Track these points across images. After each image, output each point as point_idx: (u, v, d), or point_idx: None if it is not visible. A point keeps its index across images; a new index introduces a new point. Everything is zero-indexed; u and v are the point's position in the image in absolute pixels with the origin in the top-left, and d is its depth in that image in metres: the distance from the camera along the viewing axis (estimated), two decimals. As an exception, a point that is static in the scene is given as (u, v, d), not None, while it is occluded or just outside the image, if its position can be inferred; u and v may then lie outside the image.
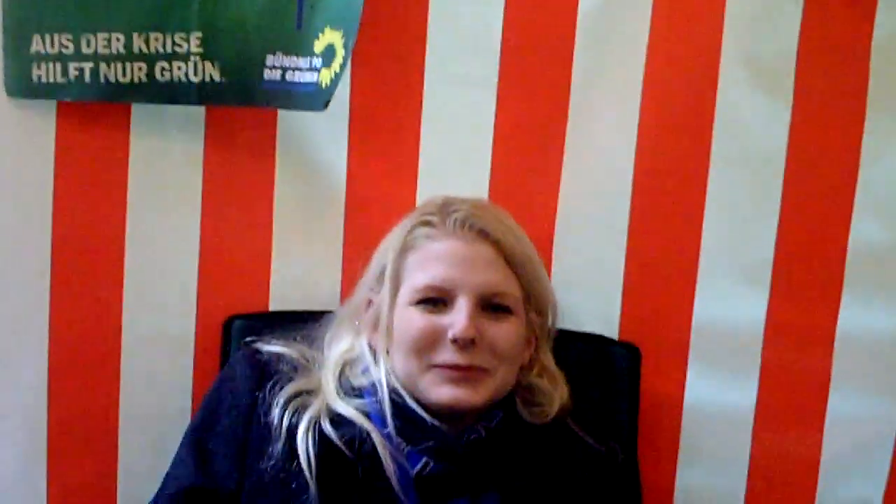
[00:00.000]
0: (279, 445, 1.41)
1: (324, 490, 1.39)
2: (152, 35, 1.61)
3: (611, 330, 1.79)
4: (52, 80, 1.62)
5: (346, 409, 1.44)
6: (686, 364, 1.80)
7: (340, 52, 1.62)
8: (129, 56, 1.62)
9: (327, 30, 1.63)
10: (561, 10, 1.74)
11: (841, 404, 1.81)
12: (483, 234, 1.46)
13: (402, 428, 1.42)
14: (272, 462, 1.41)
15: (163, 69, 1.62)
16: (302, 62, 1.64)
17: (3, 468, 1.72)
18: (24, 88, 1.63)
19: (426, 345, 1.43)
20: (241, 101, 1.66)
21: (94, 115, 1.66)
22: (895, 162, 1.77)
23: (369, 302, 1.51)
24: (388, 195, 1.74)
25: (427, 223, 1.47)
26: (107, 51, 1.61)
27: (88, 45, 1.61)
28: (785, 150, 1.76)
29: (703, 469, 1.83)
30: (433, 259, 1.45)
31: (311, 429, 1.41)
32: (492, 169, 1.76)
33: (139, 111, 1.67)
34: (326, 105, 1.64)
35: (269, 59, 1.64)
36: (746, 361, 1.81)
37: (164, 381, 1.75)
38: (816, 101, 1.76)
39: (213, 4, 1.62)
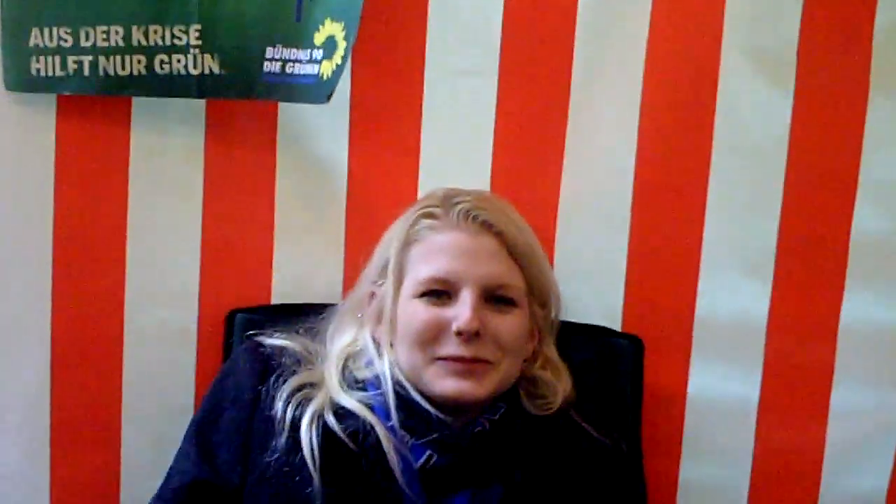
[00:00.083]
0: (283, 439, 1.41)
1: (327, 483, 1.39)
2: (151, 28, 1.61)
3: (614, 322, 1.78)
4: (51, 73, 1.61)
5: (350, 401, 1.43)
6: (689, 356, 1.80)
7: (342, 45, 1.62)
8: (128, 49, 1.61)
9: (327, 22, 1.62)
10: (561, 2, 1.73)
11: (844, 396, 1.81)
12: (487, 226, 1.45)
13: (405, 421, 1.42)
14: (276, 455, 1.41)
15: (162, 62, 1.62)
16: (302, 54, 1.63)
17: (6, 463, 1.73)
18: (23, 82, 1.62)
19: (430, 337, 1.42)
20: (241, 94, 1.65)
21: (95, 108, 1.66)
22: (898, 152, 1.77)
23: (372, 294, 1.51)
24: (389, 187, 1.74)
25: (430, 215, 1.47)
26: (106, 44, 1.61)
27: (87, 38, 1.61)
28: (787, 141, 1.76)
29: (707, 461, 1.82)
30: (437, 251, 1.45)
31: (315, 422, 1.41)
32: (493, 161, 1.76)
33: (139, 105, 1.67)
34: (329, 97, 1.63)
35: (269, 52, 1.63)
36: (749, 353, 1.80)
37: (167, 375, 1.75)
38: (818, 91, 1.75)
39: (213, -4, 1.63)
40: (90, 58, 1.61)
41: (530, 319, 1.49)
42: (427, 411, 1.42)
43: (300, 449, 1.40)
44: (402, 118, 1.74)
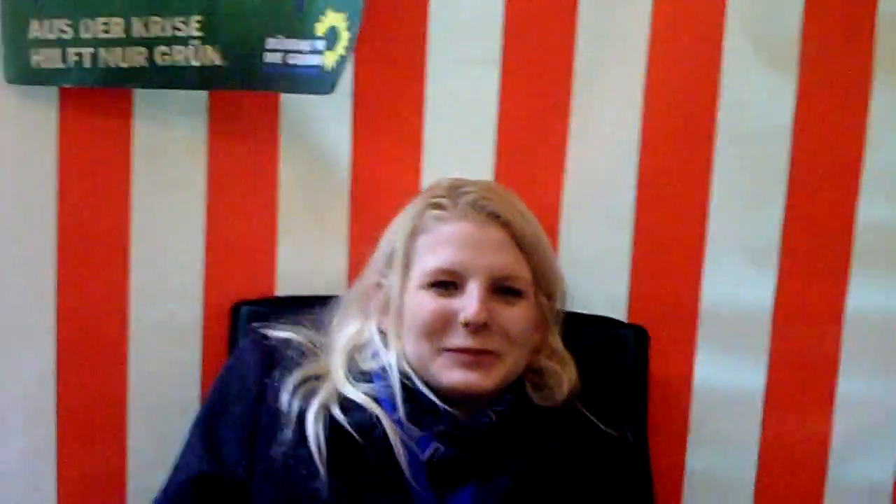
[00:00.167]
0: (289, 431, 1.41)
1: (334, 475, 1.38)
2: (152, 19, 1.60)
3: (619, 312, 1.78)
4: (51, 66, 1.60)
5: (356, 393, 1.43)
6: (694, 346, 1.80)
7: (345, 35, 1.62)
8: (128, 41, 1.60)
9: (329, 12, 1.62)
10: (563, -9, 1.73)
11: (850, 385, 1.81)
12: (494, 217, 1.45)
13: (412, 413, 1.42)
14: (282, 448, 1.41)
15: (163, 53, 1.61)
16: (303, 45, 1.63)
17: (12, 458, 1.73)
18: (23, 75, 1.61)
19: (437, 328, 1.42)
20: (242, 85, 1.65)
21: (97, 101, 1.65)
22: (902, 139, 1.77)
23: (378, 285, 1.50)
24: (392, 178, 1.74)
25: (437, 205, 1.46)
26: (106, 35, 1.60)
27: (87, 29, 1.60)
28: (790, 129, 1.76)
29: (713, 451, 1.83)
30: (444, 242, 1.44)
31: (321, 414, 1.41)
32: (496, 151, 1.76)
33: (141, 97, 1.67)
34: (333, 88, 1.64)
35: (270, 42, 1.62)
36: (755, 343, 1.80)
37: (172, 369, 1.74)
38: (821, 80, 1.75)
39: (213, -13, 1.62)
40: (90, 50, 1.60)
41: (537, 310, 1.49)
42: (433, 403, 1.41)
43: (306, 442, 1.39)
44: (405, 109, 1.74)
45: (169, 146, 1.69)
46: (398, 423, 1.41)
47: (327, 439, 1.39)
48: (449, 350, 1.41)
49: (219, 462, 1.44)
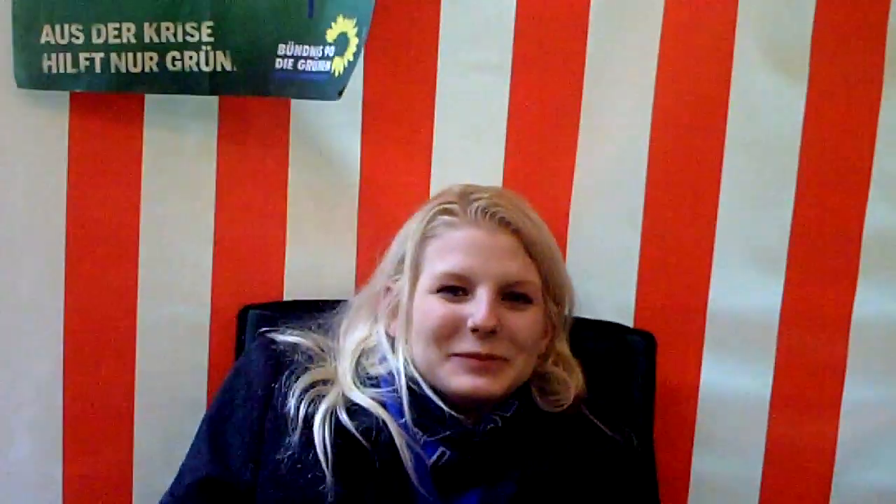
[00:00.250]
0: (296, 436, 1.41)
1: (340, 480, 1.39)
2: (163, 24, 1.61)
3: (626, 318, 1.78)
4: (62, 70, 1.61)
5: (363, 398, 1.44)
6: (701, 351, 1.80)
7: (354, 41, 1.62)
8: (140, 46, 1.61)
9: (340, 18, 1.62)
10: (575, -3, 1.73)
11: (857, 390, 1.80)
12: (504, 223, 1.45)
13: (418, 418, 1.42)
14: (289, 452, 1.41)
15: (174, 59, 1.62)
16: (314, 51, 1.63)
17: (20, 457, 1.74)
18: (35, 79, 1.62)
19: (446, 333, 1.42)
20: (253, 91, 1.65)
21: (108, 105, 1.66)
22: (911, 145, 1.76)
23: (388, 289, 1.51)
24: (401, 183, 1.74)
25: (448, 211, 1.47)
26: (117, 41, 1.61)
27: (99, 34, 1.61)
28: (800, 135, 1.75)
29: (719, 456, 1.82)
30: (454, 247, 1.45)
31: (328, 419, 1.41)
32: (506, 156, 1.76)
33: (152, 101, 1.68)
34: (341, 94, 1.63)
35: (281, 48, 1.63)
36: (762, 348, 1.80)
37: (179, 371, 1.75)
38: (832, 85, 1.74)
39: (224, -7, 1.62)
40: (102, 55, 1.61)
41: (545, 317, 1.49)
42: (440, 408, 1.42)
43: (313, 446, 1.40)
44: (415, 114, 1.74)
45: (179, 151, 1.70)
46: (405, 427, 1.42)
47: (334, 444, 1.39)
48: (457, 355, 1.42)
49: (225, 466, 1.44)
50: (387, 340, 1.49)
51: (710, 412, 1.81)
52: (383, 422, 1.42)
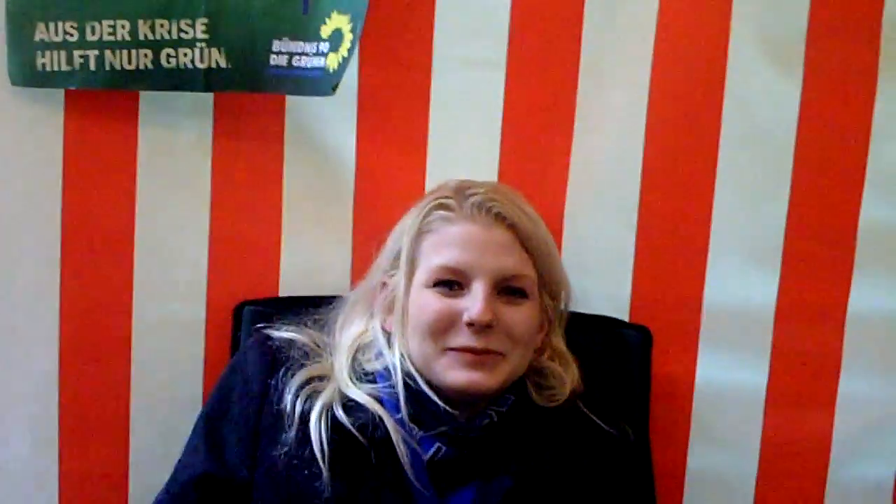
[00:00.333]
0: (292, 432, 1.42)
1: (336, 476, 1.39)
2: (158, 21, 1.61)
3: (622, 312, 1.78)
4: (56, 68, 1.61)
5: (359, 394, 1.44)
6: (697, 345, 1.80)
7: (348, 37, 1.62)
8: (134, 43, 1.61)
9: (334, 14, 1.62)
10: (569, -8, 1.73)
11: (852, 384, 1.81)
12: (500, 218, 1.45)
13: (414, 413, 1.42)
14: (285, 449, 1.41)
15: (168, 56, 1.62)
16: (308, 47, 1.63)
17: (15, 455, 1.74)
18: (29, 77, 1.62)
19: (442, 328, 1.42)
20: (248, 88, 1.65)
21: (102, 103, 1.66)
22: (906, 140, 1.76)
23: (384, 284, 1.51)
24: (397, 179, 1.74)
25: (444, 206, 1.47)
26: (112, 38, 1.61)
27: (93, 32, 1.60)
28: (795, 129, 1.76)
29: (715, 450, 1.82)
30: (450, 242, 1.45)
31: (324, 415, 1.41)
32: (501, 151, 1.76)
33: (147, 99, 1.68)
34: (335, 89, 1.63)
35: (276, 45, 1.63)
36: (757, 342, 1.80)
37: (175, 368, 1.75)
38: (827, 80, 1.75)
39: (219, -10, 1.62)
40: (96, 52, 1.61)
41: (541, 311, 1.50)
42: (436, 404, 1.42)
43: (309, 442, 1.40)
44: (410, 110, 1.74)
45: (174, 148, 1.70)
46: (401, 423, 1.42)
47: (330, 440, 1.40)
48: (453, 349, 1.42)
49: (221, 462, 1.45)
50: (383, 335, 1.49)
51: (706, 406, 1.81)
52: (379, 417, 1.42)
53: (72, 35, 1.60)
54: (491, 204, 1.45)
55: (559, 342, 1.55)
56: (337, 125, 1.73)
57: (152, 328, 1.74)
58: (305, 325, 1.54)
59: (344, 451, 1.40)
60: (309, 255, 1.76)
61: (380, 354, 1.48)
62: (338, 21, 1.62)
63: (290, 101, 1.71)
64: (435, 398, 1.42)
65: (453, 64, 1.73)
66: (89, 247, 1.70)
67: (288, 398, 1.43)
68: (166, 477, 1.49)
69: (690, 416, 1.81)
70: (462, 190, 1.48)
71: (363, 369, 1.48)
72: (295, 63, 1.63)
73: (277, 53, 1.63)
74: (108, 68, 1.61)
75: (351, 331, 1.52)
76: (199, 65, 1.62)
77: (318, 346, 1.52)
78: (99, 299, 1.72)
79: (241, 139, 1.72)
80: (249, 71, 1.63)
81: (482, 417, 1.45)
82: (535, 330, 1.49)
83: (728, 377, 1.80)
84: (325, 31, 1.63)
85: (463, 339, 1.42)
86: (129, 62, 1.61)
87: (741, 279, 1.79)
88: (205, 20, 1.61)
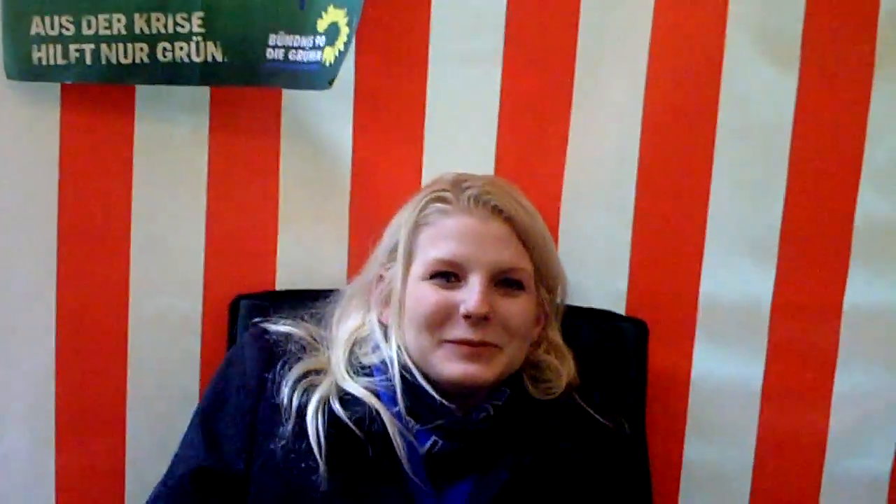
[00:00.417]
0: (289, 426, 1.42)
1: (333, 469, 1.39)
2: (154, 15, 1.60)
3: (618, 305, 1.78)
4: (52, 62, 1.61)
5: (356, 388, 1.44)
6: (693, 339, 1.80)
7: (344, 31, 1.62)
8: (130, 37, 1.61)
9: (330, 8, 1.62)
10: (565, -16, 1.73)
11: (848, 378, 1.81)
12: (497, 211, 1.45)
13: (411, 406, 1.43)
14: (282, 443, 1.41)
15: (164, 50, 1.61)
16: (305, 41, 1.63)
17: (12, 450, 1.73)
18: (25, 71, 1.62)
19: (438, 320, 1.42)
20: (244, 81, 1.65)
21: (99, 97, 1.66)
22: (902, 134, 1.76)
23: (381, 277, 1.51)
24: (393, 173, 1.74)
25: (441, 199, 1.47)
26: (108, 32, 1.60)
27: (89, 26, 1.60)
28: (791, 123, 1.75)
29: (711, 444, 1.82)
30: (447, 235, 1.45)
31: (321, 409, 1.41)
32: (497, 145, 1.76)
33: (144, 92, 1.67)
34: (331, 83, 1.63)
35: (272, 39, 1.63)
36: (754, 336, 1.80)
37: (172, 362, 1.75)
38: (823, 73, 1.75)
39: (215, -16, 1.62)
40: (92, 46, 1.60)
41: (537, 304, 1.50)
42: (432, 397, 1.42)
43: (306, 436, 1.40)
44: (406, 104, 1.74)
45: (171, 142, 1.70)
46: (398, 416, 1.42)
47: (327, 433, 1.40)
48: (449, 342, 1.42)
49: (218, 456, 1.44)
50: (379, 328, 1.49)
51: (702, 400, 1.81)
52: (376, 411, 1.42)
53: (68, 29, 1.59)
54: (488, 197, 1.46)
55: (555, 335, 1.56)
56: (333, 119, 1.73)
57: (149, 322, 1.73)
58: (302, 319, 1.55)
59: (341, 445, 1.40)
60: (305, 249, 1.76)
61: (376, 348, 1.48)
62: (334, 15, 1.62)
63: (287, 94, 1.71)
64: (432, 391, 1.42)
65: (450, 58, 1.73)
66: (85, 240, 1.70)
67: (285, 392, 1.43)
68: (163, 471, 1.48)
69: (686, 410, 1.81)
70: (459, 183, 1.48)
71: (360, 363, 1.48)
72: (291, 57, 1.63)
73: (274, 47, 1.62)
74: (103, 62, 1.60)
75: (348, 324, 1.52)
76: (195, 59, 1.61)
77: (315, 340, 1.52)
78: (95, 293, 1.72)
79: (237, 133, 1.72)
80: (246, 65, 1.63)
81: (479, 411, 1.45)
82: (532, 323, 1.49)
83: (724, 371, 1.80)
84: (322, 24, 1.62)
85: (460, 331, 1.42)
86: (125, 56, 1.60)
87: (738, 273, 1.79)
88: (201, 14, 1.60)
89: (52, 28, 1.60)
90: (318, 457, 1.39)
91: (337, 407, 1.42)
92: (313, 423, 1.40)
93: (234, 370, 1.50)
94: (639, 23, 1.73)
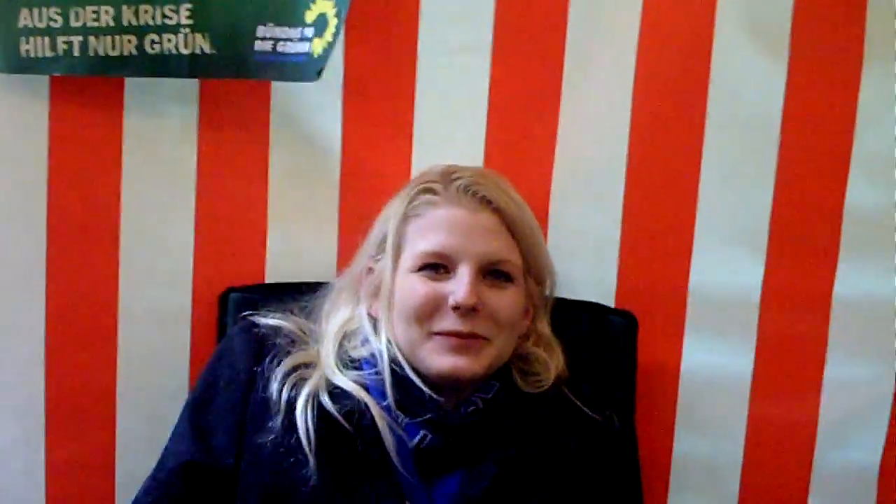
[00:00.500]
0: (278, 420, 1.42)
1: (323, 463, 1.39)
2: (142, 7, 1.59)
3: (607, 298, 1.78)
4: (40, 54, 1.59)
5: (345, 381, 1.44)
6: (683, 331, 1.80)
7: (333, 22, 1.62)
8: (118, 29, 1.59)
9: (318, -1, 1.62)
10: (555, -24, 1.73)
11: (838, 369, 1.82)
12: (486, 202, 1.46)
13: (400, 400, 1.43)
14: (271, 436, 1.41)
15: (153, 42, 1.60)
16: (293, 32, 1.62)
17: (2, 444, 1.73)
18: (13, 63, 1.60)
19: (427, 311, 1.42)
20: (232, 73, 1.64)
21: (88, 89, 1.65)
22: (891, 125, 1.76)
23: (370, 269, 1.51)
24: (383, 165, 1.74)
25: (430, 190, 1.47)
26: (96, 24, 1.59)
27: (77, 18, 1.58)
28: (780, 115, 1.76)
29: (701, 436, 1.83)
30: (435, 226, 1.45)
31: (310, 402, 1.41)
32: (486, 137, 1.76)
33: (132, 85, 1.67)
34: (319, 74, 1.64)
35: (260, 30, 1.61)
36: (743, 328, 1.81)
37: (161, 355, 1.75)
38: (812, 65, 1.75)
39: (203, -24, 1.61)
40: (80, 38, 1.59)
41: (526, 296, 1.50)
42: (421, 390, 1.42)
43: (295, 430, 1.40)
44: (396, 96, 1.74)
45: (160, 134, 1.69)
46: (387, 410, 1.42)
47: (316, 427, 1.40)
48: (438, 334, 1.42)
49: (207, 450, 1.44)
50: (369, 321, 1.49)
51: (692, 392, 1.82)
52: (365, 405, 1.42)
53: (56, 21, 1.58)
54: (477, 188, 1.46)
55: (544, 328, 1.56)
56: (323, 111, 1.73)
57: (138, 315, 1.73)
58: (291, 313, 1.54)
59: (330, 439, 1.41)
60: (295, 242, 1.76)
61: (366, 341, 1.48)
62: (322, 6, 1.61)
63: (276, 86, 1.70)
64: (421, 385, 1.42)
65: (439, 49, 1.73)
66: (75, 233, 1.69)
67: (274, 386, 1.43)
68: (153, 464, 1.48)
69: (676, 402, 1.82)
70: (448, 174, 1.48)
71: (349, 356, 1.48)
72: (279, 48, 1.62)
73: (262, 39, 1.61)
74: (91, 54, 1.59)
75: (337, 318, 1.52)
76: (183, 51, 1.60)
77: (305, 334, 1.52)
78: (85, 287, 1.71)
79: (226, 125, 1.71)
80: (234, 57, 1.62)
81: (467, 404, 1.45)
82: (520, 315, 1.49)
83: (714, 362, 1.81)
84: (310, 16, 1.62)
85: (448, 322, 1.42)
86: (113, 48, 1.59)
87: (727, 265, 1.79)
88: (189, 6, 1.59)
89: (41, 20, 1.58)
90: (307, 450, 1.39)
91: (326, 401, 1.42)
92: (303, 417, 1.40)
93: (223, 364, 1.50)
94: (628, 15, 1.73)
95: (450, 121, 1.75)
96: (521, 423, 1.48)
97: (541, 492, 1.46)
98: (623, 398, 1.72)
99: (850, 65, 1.75)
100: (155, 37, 1.60)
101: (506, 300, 1.45)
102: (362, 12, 1.67)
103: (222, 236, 1.74)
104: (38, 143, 1.66)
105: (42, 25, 1.58)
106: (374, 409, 1.42)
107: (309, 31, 1.62)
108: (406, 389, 1.43)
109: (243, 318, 1.55)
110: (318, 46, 1.63)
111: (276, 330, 1.50)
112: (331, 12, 1.62)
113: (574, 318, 1.69)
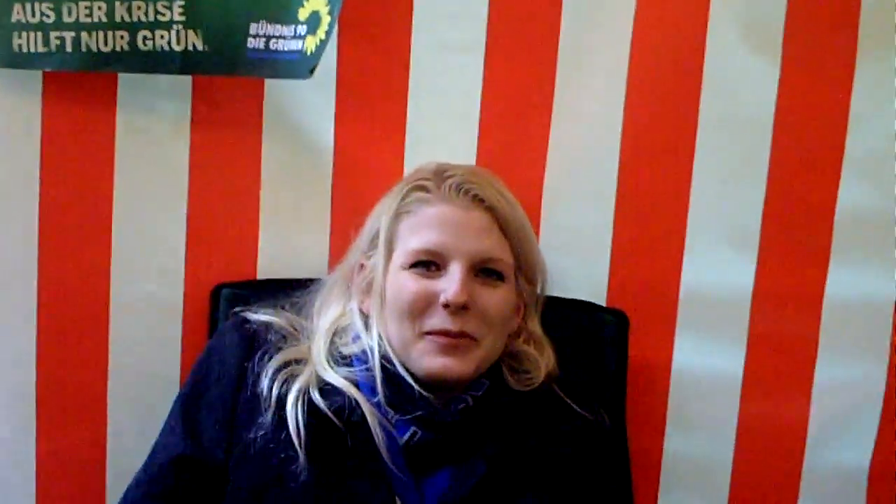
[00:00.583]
0: (268, 415, 1.42)
1: (313, 459, 1.39)
2: (134, 3, 1.58)
3: (599, 296, 1.78)
4: (33, 49, 1.59)
5: (336, 378, 1.44)
6: (674, 330, 1.80)
7: (326, 19, 1.62)
8: (110, 24, 1.59)
9: (312, -3, 1.62)
10: (548, -24, 1.73)
11: (828, 369, 1.82)
12: (478, 200, 1.46)
13: (391, 397, 1.43)
14: (261, 432, 1.42)
15: (145, 38, 1.59)
16: (286, 30, 1.62)
17: (-7, 436, 1.73)
18: (5, 58, 1.60)
19: (419, 309, 1.43)
20: (225, 70, 1.64)
21: (81, 85, 1.64)
22: (883, 125, 1.76)
23: (361, 266, 1.51)
24: (375, 162, 1.74)
25: (422, 188, 1.47)
26: (88, 19, 1.58)
27: (70, 13, 1.58)
28: (773, 114, 1.76)
29: (691, 435, 1.83)
30: (427, 224, 1.45)
31: (301, 399, 1.41)
32: (479, 135, 1.76)
33: (125, 81, 1.66)
34: (312, 72, 1.64)
35: (253, 28, 1.61)
36: (734, 327, 1.81)
37: (153, 350, 1.74)
38: (805, 64, 1.75)
39: (196, -28, 1.61)
40: (73, 33, 1.58)
41: (517, 295, 1.50)
42: (411, 387, 1.42)
43: (286, 426, 1.40)
44: (389, 94, 1.74)
45: (152, 130, 1.69)
46: (377, 406, 1.42)
47: (307, 423, 1.40)
48: (429, 333, 1.42)
49: (198, 445, 1.45)
50: (360, 318, 1.49)
51: (683, 391, 1.82)
52: (356, 401, 1.42)
53: (48, 16, 1.58)
54: (469, 186, 1.46)
55: (535, 326, 1.56)
56: (315, 108, 1.73)
57: (130, 310, 1.73)
58: (283, 308, 1.55)
59: (320, 435, 1.41)
60: (287, 238, 1.76)
61: (357, 337, 1.48)
62: (315, 3, 1.61)
63: (269, 84, 1.70)
64: (411, 382, 1.42)
65: (432, 48, 1.73)
66: (67, 228, 1.69)
67: (265, 381, 1.43)
68: (143, 458, 1.49)
69: (667, 401, 1.82)
70: (440, 172, 1.48)
71: (340, 353, 1.48)
72: (272, 46, 1.62)
73: (255, 36, 1.61)
74: (84, 50, 1.59)
75: (329, 314, 1.52)
76: (175, 47, 1.60)
77: (296, 330, 1.52)
78: (76, 281, 1.71)
79: (219, 122, 1.71)
80: (227, 54, 1.61)
81: (458, 402, 1.45)
82: (511, 313, 1.50)
83: (705, 362, 1.81)
84: (303, 13, 1.62)
85: (439, 320, 1.42)
86: (106, 44, 1.59)
87: (718, 264, 1.79)
88: (181, 2, 1.58)
89: (33, 15, 1.58)
90: (297, 447, 1.39)
91: (317, 397, 1.42)
92: (293, 414, 1.40)
93: (214, 359, 1.50)
94: (622, 13, 1.73)
95: (443, 119, 1.75)
96: (511, 420, 1.48)
97: (530, 489, 1.46)
98: (614, 397, 1.72)
99: (843, 65, 1.75)
100: (147, 33, 1.59)
101: (496, 298, 1.45)
102: (356, 10, 1.67)
103: (214, 232, 1.74)
104: (31, 138, 1.65)
105: (35, 20, 1.58)
106: (365, 406, 1.42)
107: (302, 29, 1.62)
108: (397, 386, 1.43)
109: (235, 314, 1.55)
110: (310, 44, 1.63)
111: (268, 326, 1.51)
112: (324, 10, 1.62)
113: (565, 316, 1.68)
